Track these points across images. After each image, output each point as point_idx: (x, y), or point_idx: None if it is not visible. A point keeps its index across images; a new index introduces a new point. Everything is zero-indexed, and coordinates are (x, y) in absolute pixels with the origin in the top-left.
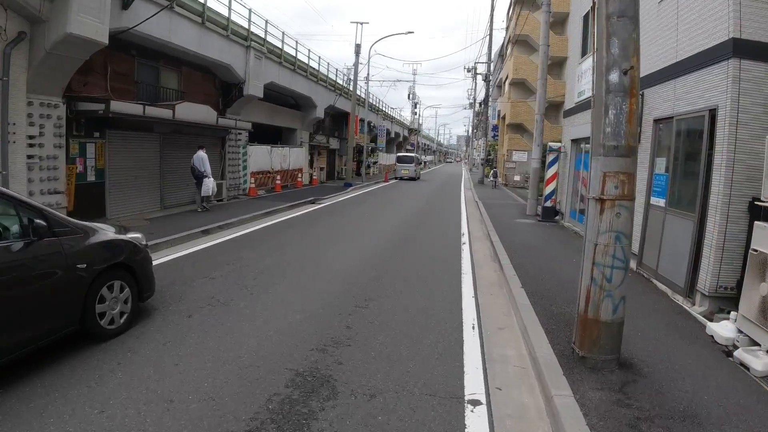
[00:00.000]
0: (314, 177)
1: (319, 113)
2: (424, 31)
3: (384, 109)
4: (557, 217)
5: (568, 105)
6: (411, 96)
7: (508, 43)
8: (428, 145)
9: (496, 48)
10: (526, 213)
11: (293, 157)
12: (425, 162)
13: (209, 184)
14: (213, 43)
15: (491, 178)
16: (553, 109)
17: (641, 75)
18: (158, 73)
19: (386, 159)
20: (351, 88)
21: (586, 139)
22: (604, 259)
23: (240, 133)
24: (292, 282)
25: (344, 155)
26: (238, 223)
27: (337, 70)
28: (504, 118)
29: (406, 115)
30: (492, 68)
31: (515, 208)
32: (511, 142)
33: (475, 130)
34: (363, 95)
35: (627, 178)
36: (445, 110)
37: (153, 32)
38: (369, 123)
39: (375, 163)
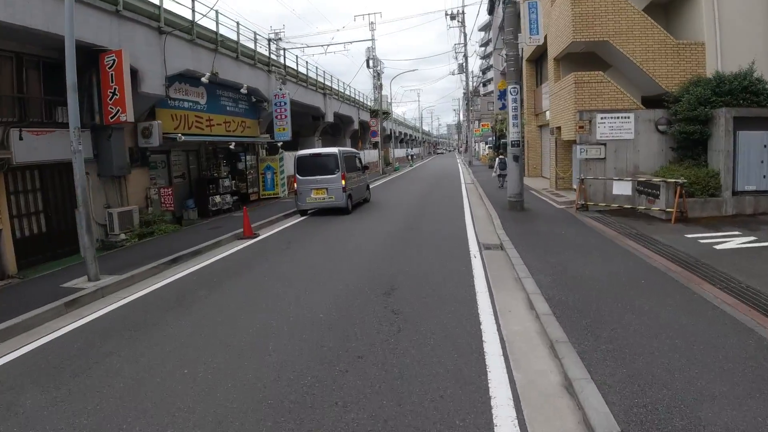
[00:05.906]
0: None
1: None
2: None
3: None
4: None
5: None
6: (370, 62)
7: None
8: (410, 135)
9: None
10: None
11: None
12: (411, 156)
13: None
14: None
15: (495, 173)
16: None
17: None
18: None
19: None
20: None
21: None
22: None
23: None
24: None
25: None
26: None
27: None
28: (545, 52)
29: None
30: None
31: None
32: (584, 91)
33: (467, 111)
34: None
35: None
36: (429, 99)
37: None
38: (247, 90)
39: (264, 174)
